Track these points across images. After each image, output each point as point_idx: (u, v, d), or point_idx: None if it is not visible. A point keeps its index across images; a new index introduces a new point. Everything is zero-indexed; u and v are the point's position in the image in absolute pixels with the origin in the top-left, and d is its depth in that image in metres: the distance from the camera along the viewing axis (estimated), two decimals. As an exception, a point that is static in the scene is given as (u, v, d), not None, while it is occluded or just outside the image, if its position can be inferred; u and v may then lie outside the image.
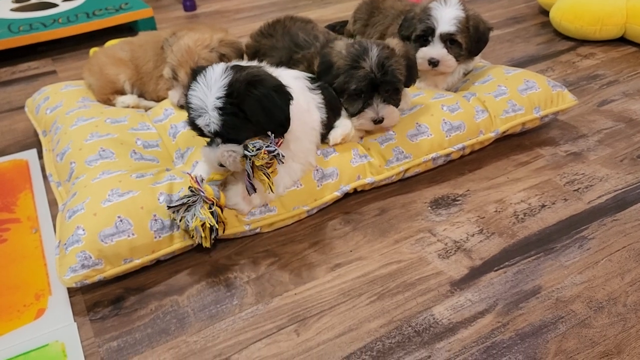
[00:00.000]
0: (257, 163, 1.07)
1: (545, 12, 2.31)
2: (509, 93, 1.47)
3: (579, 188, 1.35)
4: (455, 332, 1.02)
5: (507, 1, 2.51)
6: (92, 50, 1.88)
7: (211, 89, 1.05)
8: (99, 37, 2.22)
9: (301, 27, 1.52)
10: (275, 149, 1.08)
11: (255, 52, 1.56)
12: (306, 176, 1.24)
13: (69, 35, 2.17)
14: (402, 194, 1.36)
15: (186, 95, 1.09)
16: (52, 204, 1.36)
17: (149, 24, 2.30)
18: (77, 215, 1.10)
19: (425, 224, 1.27)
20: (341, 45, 1.30)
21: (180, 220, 1.11)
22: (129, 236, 1.09)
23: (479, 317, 1.04)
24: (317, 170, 1.25)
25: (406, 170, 1.36)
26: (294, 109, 1.11)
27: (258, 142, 1.07)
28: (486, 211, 1.30)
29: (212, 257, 1.21)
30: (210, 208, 1.10)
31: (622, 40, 2.06)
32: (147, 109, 1.53)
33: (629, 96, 1.73)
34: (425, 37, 1.51)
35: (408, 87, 1.37)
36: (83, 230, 1.08)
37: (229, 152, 1.08)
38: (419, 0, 1.71)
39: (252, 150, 1.07)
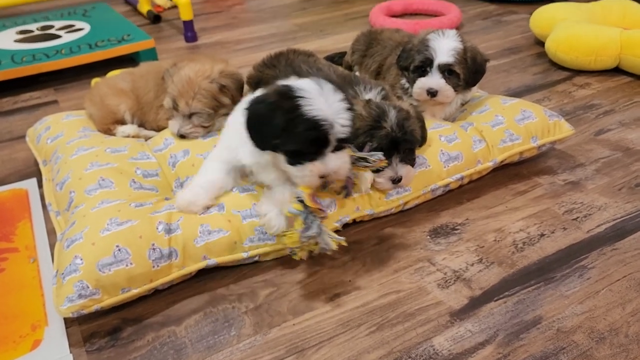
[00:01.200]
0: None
1: (540, 43, 2.35)
2: (506, 123, 1.48)
3: (578, 217, 1.35)
4: (455, 364, 1.00)
5: (502, 32, 2.55)
6: (94, 80, 1.91)
7: (335, 100, 1.06)
8: (101, 67, 2.24)
9: (304, 59, 1.55)
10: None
11: (257, 82, 1.58)
12: (305, 206, 1.24)
13: (71, 65, 2.19)
14: (401, 223, 1.36)
15: (289, 112, 1.05)
16: (51, 233, 1.36)
17: (151, 55, 2.33)
18: (76, 244, 1.10)
19: (424, 253, 1.27)
20: (358, 107, 1.30)
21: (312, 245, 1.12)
22: (127, 265, 1.08)
23: (480, 348, 1.03)
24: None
25: (405, 203, 1.36)
26: None
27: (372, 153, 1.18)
28: (485, 240, 1.30)
29: (211, 286, 1.20)
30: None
31: (617, 71, 2.09)
32: (147, 138, 1.54)
33: (625, 125, 1.74)
34: (423, 67, 1.53)
35: (420, 147, 1.37)
36: (81, 259, 1.07)
37: (345, 160, 1.11)
38: (416, 32, 1.74)
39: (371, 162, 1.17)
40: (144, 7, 2.95)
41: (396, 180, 1.29)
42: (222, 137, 1.29)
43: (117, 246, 1.09)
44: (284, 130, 1.05)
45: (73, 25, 2.55)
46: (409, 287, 1.18)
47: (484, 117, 1.51)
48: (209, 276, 1.22)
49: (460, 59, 1.51)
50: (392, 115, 1.25)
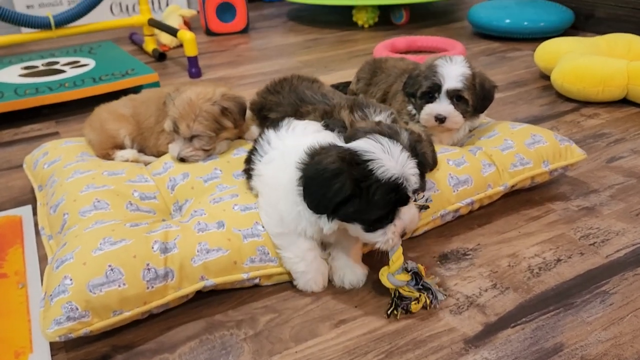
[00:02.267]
0: None
1: (545, 77, 2.34)
2: (515, 147, 1.44)
3: (595, 242, 1.29)
4: (472, 393, 0.92)
5: (507, 67, 2.55)
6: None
7: (394, 151, 1.02)
8: (104, 100, 2.22)
9: (308, 85, 1.53)
10: None
11: (260, 108, 1.55)
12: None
13: (74, 98, 2.18)
14: (409, 249, 1.29)
15: (362, 180, 1.00)
16: (43, 259, 1.30)
17: (154, 89, 2.32)
18: (66, 264, 1.04)
19: (434, 279, 1.19)
20: (369, 127, 1.26)
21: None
22: (119, 286, 1.02)
23: (498, 376, 0.95)
24: (322, 226, 1.19)
25: (415, 230, 1.30)
26: None
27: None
28: (499, 266, 1.23)
29: (208, 312, 1.13)
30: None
31: (624, 102, 2.06)
32: (146, 163, 1.50)
33: (637, 153, 1.69)
34: (431, 93, 1.50)
35: (431, 171, 1.34)
36: (71, 280, 1.01)
37: (414, 208, 1.07)
38: (420, 60, 1.72)
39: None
40: (150, 45, 2.98)
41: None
42: (275, 209, 1.15)
43: (110, 266, 1.03)
44: (354, 198, 1.00)
45: (78, 62, 2.57)
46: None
47: (492, 142, 1.47)
48: (206, 302, 1.15)
49: (469, 85, 1.48)
50: (405, 136, 1.20)
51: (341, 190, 1.00)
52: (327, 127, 1.28)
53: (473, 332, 1.05)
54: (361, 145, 1.04)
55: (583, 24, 2.99)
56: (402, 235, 1.07)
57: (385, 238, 1.05)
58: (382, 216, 1.03)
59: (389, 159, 1.01)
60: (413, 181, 1.02)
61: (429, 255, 1.27)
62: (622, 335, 1.02)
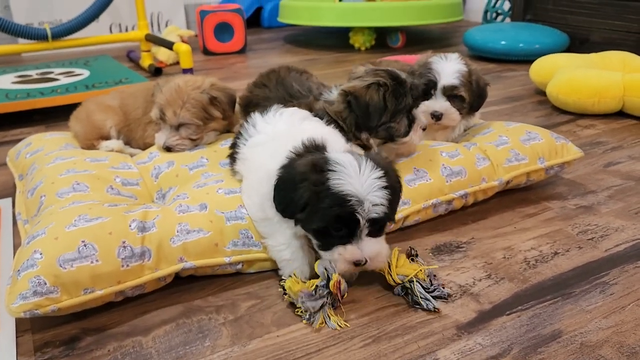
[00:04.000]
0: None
1: (541, 93, 2.33)
2: (510, 143, 1.40)
3: (594, 237, 1.24)
4: (464, 378, 0.86)
5: (503, 85, 2.54)
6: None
7: (365, 172, 0.95)
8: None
9: (295, 77, 1.50)
10: None
11: (247, 104, 1.52)
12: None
13: (65, 103, 2.15)
14: (400, 242, 1.24)
15: (315, 185, 0.95)
16: (18, 247, 1.24)
17: (148, 98, 2.30)
18: (37, 239, 0.99)
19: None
20: None
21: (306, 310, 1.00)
22: (92, 262, 0.96)
23: (492, 361, 0.89)
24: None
25: (406, 218, 1.25)
26: None
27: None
28: (493, 258, 1.17)
29: (187, 298, 1.07)
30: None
31: (620, 115, 2.04)
32: (132, 155, 1.46)
33: (635, 159, 1.66)
34: (427, 90, 1.48)
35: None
36: (40, 254, 0.95)
37: (384, 246, 1.00)
38: (412, 61, 1.70)
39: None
40: (146, 61, 2.98)
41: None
42: (258, 193, 1.09)
43: (83, 241, 0.98)
44: (308, 205, 0.95)
45: (73, 72, 2.56)
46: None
47: (487, 138, 1.44)
48: (185, 288, 1.10)
49: (465, 82, 1.46)
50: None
51: (302, 197, 0.95)
52: (316, 115, 1.25)
53: (466, 319, 0.99)
54: (338, 156, 0.98)
55: (578, 47, 3.01)
56: (361, 264, 0.98)
57: (331, 257, 0.98)
58: (329, 232, 0.97)
59: (352, 174, 0.94)
60: (368, 206, 0.93)
61: (421, 247, 1.22)
62: (624, 324, 0.96)
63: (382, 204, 0.95)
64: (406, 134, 1.25)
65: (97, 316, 1.02)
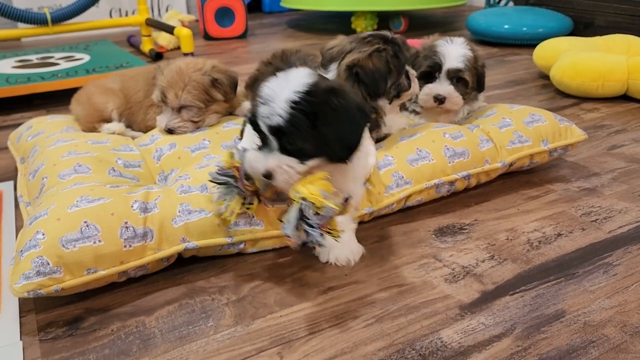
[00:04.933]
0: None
1: (544, 76, 2.31)
2: (514, 125, 1.39)
3: (597, 219, 1.23)
4: (467, 356, 0.86)
5: (506, 69, 2.52)
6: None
7: (290, 82, 0.92)
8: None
9: (300, 57, 1.49)
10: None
11: (254, 81, 1.50)
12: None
13: (66, 87, 2.14)
14: (403, 223, 1.24)
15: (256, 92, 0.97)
16: (20, 229, 1.24)
17: (148, 82, 2.29)
18: (39, 220, 0.99)
19: (429, 250, 1.14)
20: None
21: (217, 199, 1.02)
22: (94, 243, 0.96)
23: (495, 340, 0.89)
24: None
25: (407, 198, 1.25)
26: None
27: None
28: (497, 239, 1.17)
29: (189, 279, 1.07)
30: (245, 201, 1.01)
31: (624, 98, 2.03)
32: (133, 138, 1.45)
33: (639, 142, 1.65)
34: (431, 73, 1.46)
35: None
36: (43, 234, 0.95)
37: (287, 167, 0.93)
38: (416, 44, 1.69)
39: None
40: (147, 46, 2.96)
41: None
42: None
43: (85, 222, 0.98)
44: None
45: (73, 56, 2.55)
46: (412, 281, 1.04)
47: (490, 120, 1.43)
48: (187, 269, 1.09)
49: (470, 66, 1.45)
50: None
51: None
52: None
53: (469, 299, 0.99)
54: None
55: (582, 31, 2.98)
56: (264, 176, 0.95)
57: (247, 158, 0.97)
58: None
59: (278, 82, 0.93)
60: (279, 112, 0.90)
61: (423, 229, 1.22)
62: (628, 303, 0.96)
63: (280, 116, 0.90)
64: (409, 86, 1.31)
65: (100, 297, 1.02)
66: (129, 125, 1.51)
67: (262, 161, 0.94)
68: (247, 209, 1.03)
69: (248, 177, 0.99)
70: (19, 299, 1.00)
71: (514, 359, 0.85)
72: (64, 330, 0.94)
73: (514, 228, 1.21)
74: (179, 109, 1.34)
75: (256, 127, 0.95)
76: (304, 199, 0.91)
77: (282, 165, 0.93)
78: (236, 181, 0.99)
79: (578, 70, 2.00)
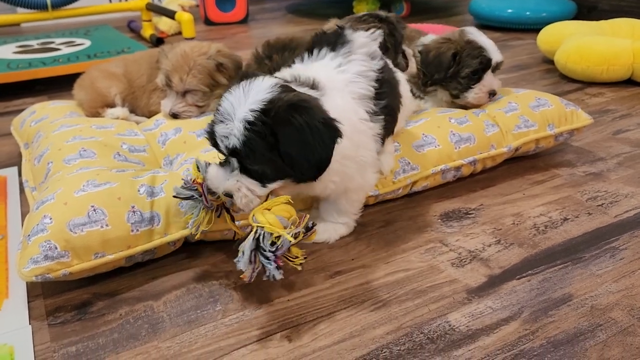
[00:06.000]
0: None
1: (549, 61, 2.30)
2: (520, 109, 1.39)
3: (603, 204, 1.23)
4: (475, 340, 0.86)
5: (510, 53, 2.51)
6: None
7: (248, 97, 0.85)
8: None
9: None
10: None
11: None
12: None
13: (68, 73, 2.12)
14: (409, 208, 1.24)
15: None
16: (25, 214, 1.23)
17: (150, 67, 2.27)
18: (46, 204, 0.98)
19: (435, 234, 1.14)
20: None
21: (185, 213, 1.01)
22: (102, 227, 0.96)
23: (503, 324, 0.89)
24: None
25: (414, 184, 1.25)
26: (342, 149, 0.92)
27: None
28: (503, 224, 1.17)
29: (196, 264, 1.07)
30: (214, 213, 0.99)
31: (629, 83, 2.02)
32: (137, 123, 1.44)
33: (644, 127, 1.65)
34: (482, 70, 1.42)
35: None
36: (50, 219, 0.95)
37: (246, 190, 0.88)
38: (434, 30, 1.68)
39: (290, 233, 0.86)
40: (148, 31, 2.94)
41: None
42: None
43: (92, 206, 0.97)
44: None
45: (74, 42, 2.52)
46: (419, 265, 1.04)
47: (496, 105, 1.42)
48: (194, 254, 1.10)
49: None
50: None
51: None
52: None
53: (476, 283, 0.99)
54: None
55: (586, 15, 2.96)
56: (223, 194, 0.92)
57: (210, 172, 0.93)
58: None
59: (237, 95, 0.87)
60: (234, 133, 0.84)
61: (429, 213, 1.22)
62: (634, 287, 0.96)
63: (236, 137, 0.84)
64: (407, 65, 1.37)
65: (108, 281, 1.02)
66: (132, 110, 1.50)
67: (222, 180, 0.89)
68: (218, 217, 1.00)
69: (212, 191, 0.94)
70: (27, 283, 1.00)
71: (521, 342, 0.85)
72: (73, 314, 0.94)
73: (520, 213, 1.21)
74: (184, 93, 1.34)
75: (214, 144, 0.89)
76: (261, 227, 0.86)
77: (241, 188, 0.88)
78: (200, 195, 0.96)
79: (583, 54, 1.99)
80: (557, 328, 0.88)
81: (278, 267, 0.86)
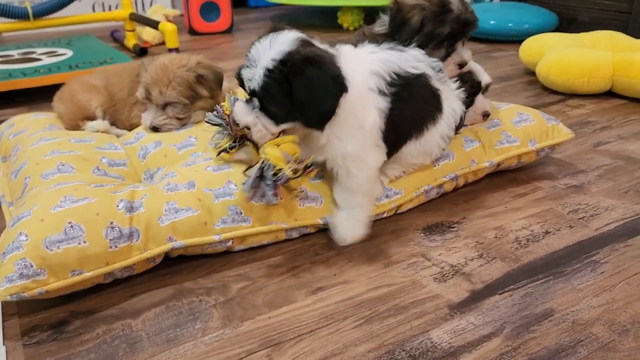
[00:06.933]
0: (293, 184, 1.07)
1: (531, 73, 2.32)
2: (502, 124, 1.40)
3: (584, 217, 1.24)
4: (457, 357, 0.86)
5: (492, 65, 2.53)
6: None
7: (272, 48, 0.97)
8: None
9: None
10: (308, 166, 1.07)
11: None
12: (287, 192, 1.11)
13: (49, 84, 2.09)
14: (392, 222, 1.24)
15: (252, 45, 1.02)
16: (2, 230, 1.21)
17: (133, 78, 2.26)
18: (22, 221, 0.96)
19: (418, 249, 1.14)
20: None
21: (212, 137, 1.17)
22: (79, 244, 0.94)
23: (485, 340, 0.89)
24: (300, 189, 1.13)
25: (398, 207, 1.24)
26: (346, 102, 1.01)
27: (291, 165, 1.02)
28: (485, 237, 1.17)
29: (176, 280, 1.05)
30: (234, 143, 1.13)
31: (609, 94, 2.04)
32: (118, 136, 1.43)
33: (624, 139, 1.66)
34: (473, 94, 1.38)
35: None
36: (26, 236, 0.93)
37: (261, 126, 1.02)
38: None
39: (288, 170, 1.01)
40: (131, 41, 2.92)
41: (463, 65, 1.30)
42: None
43: (70, 223, 0.96)
44: None
45: (55, 52, 2.50)
46: (401, 280, 1.04)
47: (479, 119, 1.42)
48: (174, 269, 1.08)
49: None
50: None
51: None
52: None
53: (458, 298, 0.99)
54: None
55: (566, 27, 3.00)
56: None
57: (237, 106, 1.06)
58: None
59: (263, 44, 0.99)
60: (256, 77, 0.97)
61: (412, 227, 1.21)
62: (615, 302, 0.97)
63: (257, 81, 0.98)
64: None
65: (85, 299, 1.00)
66: (113, 123, 1.48)
67: (244, 115, 1.03)
68: (231, 149, 1.13)
69: (237, 122, 1.07)
70: (2, 302, 0.98)
71: (503, 359, 0.85)
72: (49, 334, 0.92)
73: (502, 226, 1.21)
74: (164, 106, 1.32)
75: (242, 84, 1.03)
76: (267, 159, 1.01)
77: (258, 124, 1.02)
78: (227, 124, 1.11)
79: (564, 67, 2.01)
80: (538, 344, 0.88)
81: (275, 194, 1.02)
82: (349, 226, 1.12)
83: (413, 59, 1.16)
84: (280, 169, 1.01)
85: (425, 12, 1.22)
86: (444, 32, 1.23)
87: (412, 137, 1.18)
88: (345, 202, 1.13)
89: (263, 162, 1.01)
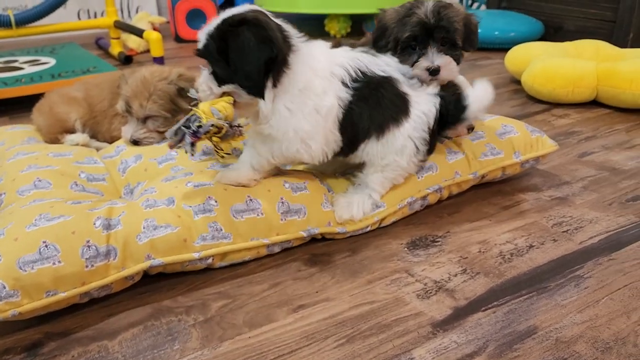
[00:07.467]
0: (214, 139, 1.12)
1: (516, 82, 2.32)
2: (486, 137, 1.39)
3: (568, 230, 1.24)
4: (439, 377, 0.84)
5: (478, 73, 2.53)
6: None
7: (222, 16, 1.02)
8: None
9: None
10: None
11: None
12: (269, 206, 1.10)
13: (30, 93, 2.06)
14: (375, 236, 1.22)
15: None
16: (-22, 246, 1.19)
17: (116, 87, 2.23)
18: (-5, 241, 0.94)
19: (401, 264, 1.12)
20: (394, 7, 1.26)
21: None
22: (54, 264, 0.92)
23: (467, 359, 0.88)
24: (282, 202, 1.12)
25: (382, 220, 1.23)
26: (304, 80, 1.04)
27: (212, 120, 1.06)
28: (469, 252, 1.16)
29: (155, 298, 1.03)
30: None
31: (594, 104, 2.05)
32: (98, 149, 1.40)
33: (609, 149, 1.67)
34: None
35: (467, 50, 1.30)
36: (-1, 256, 0.91)
37: (205, 86, 1.06)
38: None
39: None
40: (116, 49, 2.90)
41: (433, 71, 1.20)
42: None
43: (44, 242, 0.93)
44: None
45: (38, 60, 2.47)
46: (384, 297, 1.03)
47: (462, 131, 1.42)
48: (153, 287, 1.06)
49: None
50: (429, 3, 1.20)
51: None
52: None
53: (441, 316, 0.98)
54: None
55: (552, 35, 3.02)
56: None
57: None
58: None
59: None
60: (201, 40, 1.04)
61: (396, 242, 1.20)
62: (598, 318, 0.96)
63: (202, 43, 1.03)
64: None
65: (61, 319, 0.98)
66: (93, 136, 1.46)
67: (202, 79, 1.07)
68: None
69: None
70: (-26, 323, 0.95)
71: (486, 379, 0.84)
72: (22, 356, 0.90)
73: (486, 240, 1.20)
74: (145, 120, 1.30)
75: None
76: (196, 112, 1.06)
77: (203, 84, 1.06)
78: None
79: (549, 77, 2.02)
80: (521, 363, 0.87)
81: (192, 144, 1.05)
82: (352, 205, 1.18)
83: (383, 64, 1.16)
84: (203, 122, 1.05)
85: (391, 16, 1.23)
86: (404, 36, 1.21)
87: (372, 135, 1.15)
88: (247, 157, 1.14)
89: (192, 114, 1.07)
